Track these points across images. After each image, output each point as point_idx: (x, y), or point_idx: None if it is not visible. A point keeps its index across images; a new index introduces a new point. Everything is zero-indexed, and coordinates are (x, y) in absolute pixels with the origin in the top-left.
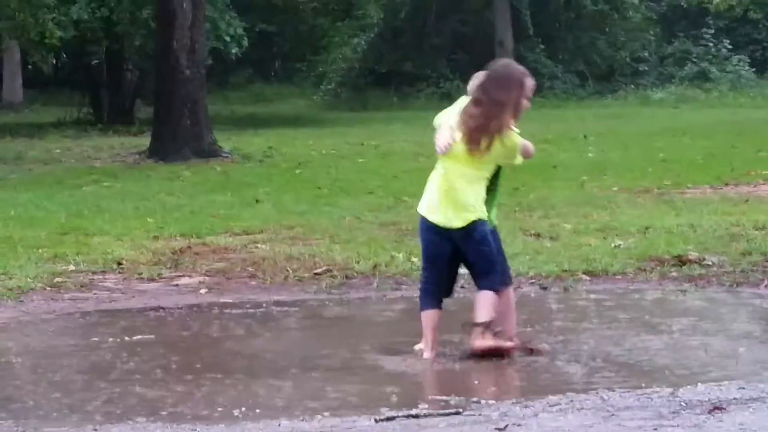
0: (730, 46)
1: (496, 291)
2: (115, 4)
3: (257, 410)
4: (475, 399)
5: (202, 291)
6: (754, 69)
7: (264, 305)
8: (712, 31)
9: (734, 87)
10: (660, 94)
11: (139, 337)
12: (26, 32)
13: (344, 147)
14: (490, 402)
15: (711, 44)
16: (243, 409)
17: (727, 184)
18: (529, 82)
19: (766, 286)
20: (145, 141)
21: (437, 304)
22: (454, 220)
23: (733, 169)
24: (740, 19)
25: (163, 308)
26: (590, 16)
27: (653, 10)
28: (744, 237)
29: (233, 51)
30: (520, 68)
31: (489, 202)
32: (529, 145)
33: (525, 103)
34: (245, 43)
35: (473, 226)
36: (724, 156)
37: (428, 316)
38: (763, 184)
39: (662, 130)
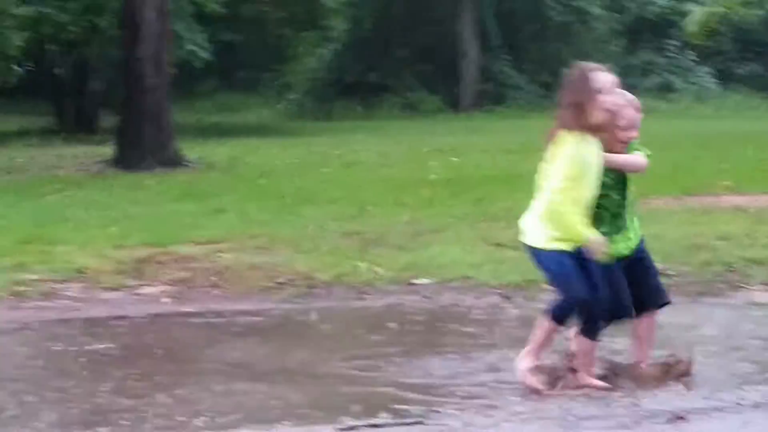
0: (694, 58)
1: (554, 318)
2: (75, 10)
3: (217, 420)
4: (437, 409)
5: (165, 300)
6: (718, 81)
7: (226, 315)
8: (677, 43)
9: (698, 98)
10: None
11: (101, 346)
12: None
13: (308, 157)
14: (453, 412)
15: (675, 55)
16: (203, 418)
17: (690, 195)
18: (600, 77)
19: (728, 297)
20: (109, 150)
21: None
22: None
23: (697, 180)
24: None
25: (125, 317)
26: (555, 26)
27: (618, 21)
28: (707, 247)
29: (198, 61)
30: (591, 64)
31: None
32: (618, 159)
33: (605, 101)
34: (206, 55)
35: (529, 248)
36: (687, 167)
37: None
38: (726, 194)
39: None
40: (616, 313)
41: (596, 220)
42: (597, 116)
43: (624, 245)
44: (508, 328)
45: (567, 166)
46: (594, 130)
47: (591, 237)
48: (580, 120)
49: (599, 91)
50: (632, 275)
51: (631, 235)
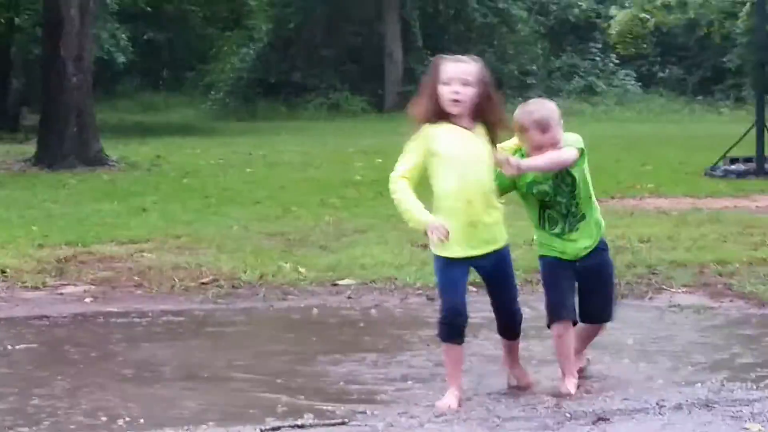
0: (617, 61)
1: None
2: None
3: (141, 420)
4: (361, 410)
5: (87, 300)
6: (640, 83)
7: (150, 315)
8: (600, 46)
9: (621, 101)
10: None
11: (22, 346)
12: None
13: (232, 156)
14: (376, 412)
15: (598, 59)
16: (127, 419)
17: (612, 197)
18: (447, 67)
19: (650, 299)
20: (30, 149)
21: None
22: None
23: (619, 182)
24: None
25: (47, 317)
26: (479, 28)
27: (541, 24)
28: (629, 249)
29: (119, 61)
30: (454, 56)
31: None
32: None
33: (444, 90)
34: (129, 54)
35: None
36: (610, 169)
37: None
38: (648, 197)
39: None
40: (556, 314)
41: (549, 221)
42: (435, 105)
43: (572, 246)
44: (432, 329)
45: (402, 156)
46: (438, 117)
47: (429, 222)
48: (422, 108)
49: (440, 81)
50: (584, 285)
51: (575, 236)
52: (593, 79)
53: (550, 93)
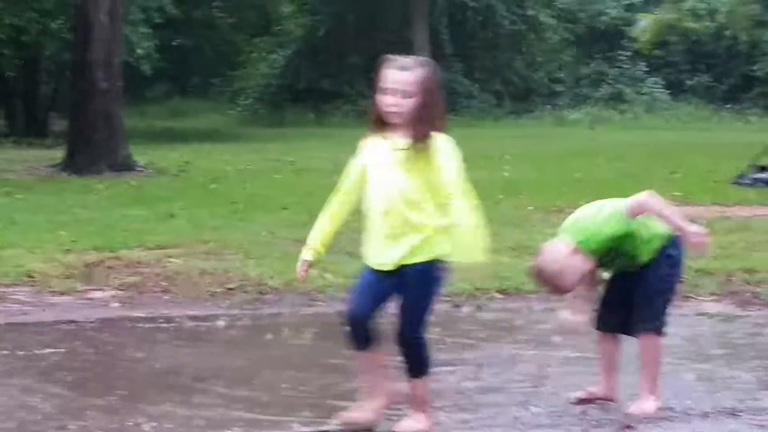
0: (645, 69)
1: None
2: (28, 14)
3: (165, 425)
4: (392, 414)
5: (115, 305)
6: (668, 91)
7: (176, 320)
8: (628, 53)
9: (649, 109)
10: (575, 115)
11: (49, 350)
12: None
13: (260, 163)
14: (402, 418)
15: (627, 66)
16: (153, 424)
17: None
18: (383, 73)
19: (677, 307)
20: (59, 154)
21: None
22: None
23: (647, 190)
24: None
25: (74, 322)
26: (508, 36)
27: (570, 32)
28: None
29: (145, 67)
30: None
31: None
32: None
33: (382, 99)
34: (155, 61)
35: None
36: (638, 177)
37: None
38: (676, 204)
39: (577, 151)
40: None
41: None
42: (377, 112)
43: None
44: (459, 335)
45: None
46: (382, 125)
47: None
48: (370, 116)
49: (380, 89)
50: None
51: None
52: (621, 86)
53: (578, 100)
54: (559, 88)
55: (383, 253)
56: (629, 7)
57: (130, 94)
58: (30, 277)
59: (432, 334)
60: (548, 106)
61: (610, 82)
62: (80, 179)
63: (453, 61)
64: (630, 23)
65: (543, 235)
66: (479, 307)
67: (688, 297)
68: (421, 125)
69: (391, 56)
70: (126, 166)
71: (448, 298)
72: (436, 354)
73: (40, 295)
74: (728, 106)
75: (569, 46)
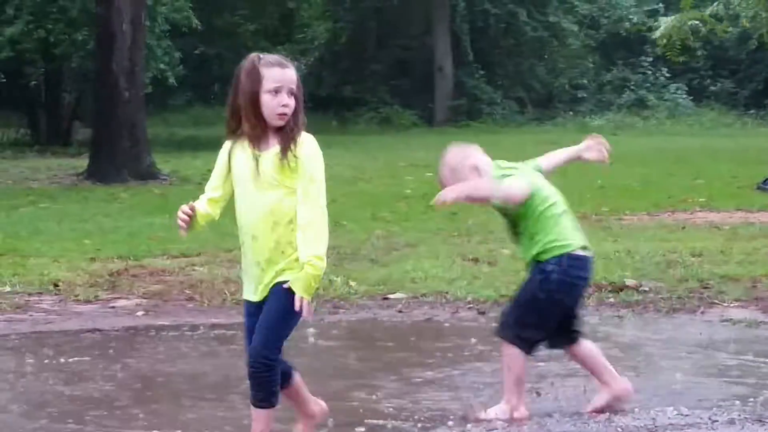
0: (668, 75)
1: None
2: (53, 24)
3: None
4: (410, 424)
5: (139, 313)
6: (691, 97)
7: (201, 328)
8: (651, 59)
9: (672, 115)
10: (598, 121)
11: (74, 358)
12: None
13: None
14: (426, 426)
15: (649, 72)
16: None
17: (664, 211)
18: (265, 69)
19: (702, 313)
20: (83, 162)
21: None
22: None
23: (670, 196)
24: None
25: (99, 330)
26: (530, 42)
27: (592, 38)
28: (681, 263)
29: (170, 79)
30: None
31: None
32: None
33: (271, 101)
34: (178, 72)
35: None
36: (661, 183)
37: None
38: (700, 211)
39: None
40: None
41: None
42: (257, 116)
43: None
44: (484, 342)
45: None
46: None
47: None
48: (235, 120)
49: (264, 89)
50: None
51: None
52: (644, 92)
53: (601, 106)
54: (581, 94)
55: (253, 283)
56: (651, 13)
57: (152, 103)
58: (55, 285)
59: (458, 339)
60: (571, 113)
61: (632, 88)
62: (104, 188)
63: (475, 68)
64: (652, 29)
65: None
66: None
67: (712, 303)
68: (297, 127)
69: (261, 54)
70: (149, 174)
71: (472, 305)
72: (462, 359)
73: (64, 304)
74: (751, 111)
75: (591, 53)
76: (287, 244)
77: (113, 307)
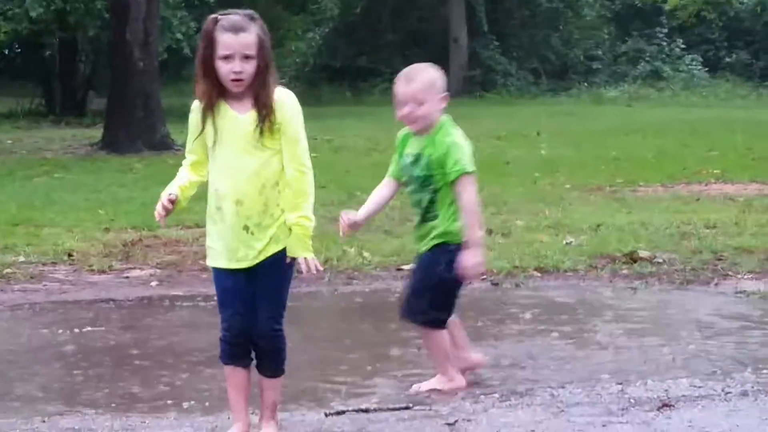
0: (683, 46)
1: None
2: None
3: (206, 403)
4: (425, 394)
5: (153, 283)
6: (706, 69)
7: (215, 298)
8: (666, 31)
9: (687, 86)
10: (613, 93)
11: (88, 328)
12: None
13: None
14: (440, 397)
15: (664, 43)
16: (192, 402)
17: (678, 183)
18: (218, 34)
19: (716, 285)
20: (97, 133)
21: None
22: None
23: (685, 168)
24: (693, 18)
25: (113, 300)
26: (545, 13)
27: (607, 9)
28: (695, 235)
29: (185, 50)
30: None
31: None
32: None
33: (223, 67)
34: (194, 42)
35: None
36: (676, 155)
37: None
38: (714, 182)
39: (615, 129)
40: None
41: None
42: (215, 82)
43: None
44: (497, 313)
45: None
46: (219, 96)
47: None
48: (201, 87)
49: (218, 56)
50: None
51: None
52: (659, 64)
53: (616, 78)
54: (596, 65)
55: (239, 249)
56: None
57: (167, 73)
58: (69, 255)
59: (471, 311)
60: (585, 84)
61: (647, 59)
62: (118, 158)
63: (490, 39)
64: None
65: (581, 213)
66: (517, 285)
67: (726, 275)
68: (266, 91)
69: (221, 15)
70: (164, 144)
71: (486, 277)
72: (476, 331)
73: (79, 274)
74: (767, 83)
75: (606, 24)
76: (275, 206)
77: (127, 278)
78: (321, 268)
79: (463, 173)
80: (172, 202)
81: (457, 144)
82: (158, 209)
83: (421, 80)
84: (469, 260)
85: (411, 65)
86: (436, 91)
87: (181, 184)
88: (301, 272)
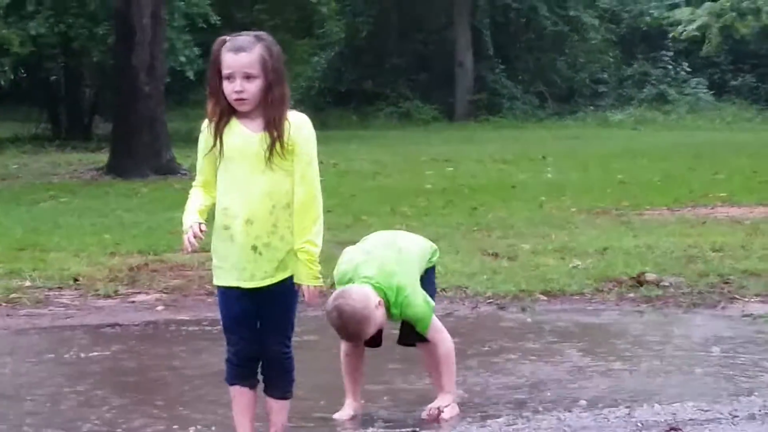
0: (688, 69)
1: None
2: (73, 19)
3: (213, 428)
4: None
5: (159, 308)
6: (712, 92)
7: (221, 323)
8: (671, 54)
9: (692, 109)
10: (619, 116)
11: (94, 353)
12: None
13: None
14: (447, 421)
15: (670, 67)
16: (198, 426)
17: (685, 206)
18: (222, 55)
19: (723, 308)
20: (103, 157)
21: None
22: None
23: (691, 191)
24: (699, 42)
25: (119, 325)
26: (550, 37)
27: (613, 32)
28: (701, 258)
29: (188, 73)
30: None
31: None
32: None
33: (227, 87)
34: (199, 66)
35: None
36: (682, 178)
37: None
38: (721, 206)
39: (621, 152)
40: None
41: None
42: (223, 102)
43: None
44: (503, 337)
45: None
46: (229, 115)
47: (186, 222)
48: (211, 106)
49: (223, 76)
50: None
51: None
52: (665, 87)
53: (622, 101)
54: (602, 89)
55: (246, 268)
56: (672, 7)
57: (172, 98)
58: (75, 280)
59: (477, 335)
60: (591, 107)
61: (653, 82)
62: (124, 182)
63: (495, 62)
64: (672, 23)
65: (587, 236)
66: (524, 309)
67: (733, 298)
68: (272, 109)
69: (229, 37)
70: (169, 169)
71: (492, 300)
72: (482, 355)
73: (85, 299)
74: None
75: (612, 47)
76: (285, 228)
77: (133, 302)
78: (322, 297)
79: None
80: (203, 230)
81: None
82: (190, 240)
83: None
84: None
85: None
86: None
87: (198, 209)
88: (304, 299)
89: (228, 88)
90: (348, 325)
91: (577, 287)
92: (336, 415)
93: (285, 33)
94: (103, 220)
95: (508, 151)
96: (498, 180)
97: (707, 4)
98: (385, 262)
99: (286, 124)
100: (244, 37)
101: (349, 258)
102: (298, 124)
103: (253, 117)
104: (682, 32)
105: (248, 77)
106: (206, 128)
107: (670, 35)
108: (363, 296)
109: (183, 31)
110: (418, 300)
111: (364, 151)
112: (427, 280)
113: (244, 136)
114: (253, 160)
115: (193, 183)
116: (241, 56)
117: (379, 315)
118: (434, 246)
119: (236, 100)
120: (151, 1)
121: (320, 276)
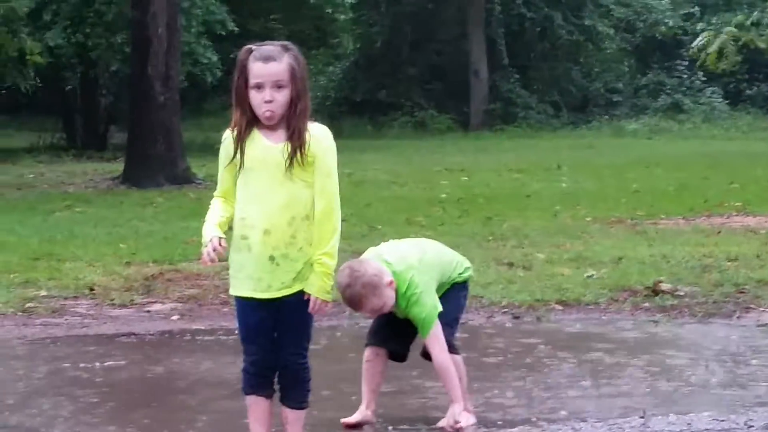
0: (703, 78)
1: None
2: (90, 29)
3: None
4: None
5: (174, 317)
6: (727, 101)
7: (236, 332)
8: (686, 63)
9: (707, 119)
10: (634, 125)
11: (110, 363)
12: (4, 50)
13: None
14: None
15: (685, 76)
16: None
17: (699, 216)
18: (250, 64)
19: (738, 318)
20: (118, 167)
21: None
22: None
23: (706, 201)
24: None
25: (134, 334)
26: (565, 46)
27: (628, 42)
28: (716, 268)
29: (209, 79)
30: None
31: None
32: None
33: (255, 96)
34: (219, 72)
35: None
36: (697, 187)
37: None
38: (736, 215)
39: (636, 161)
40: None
41: None
42: (249, 112)
43: None
44: (518, 347)
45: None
46: (252, 125)
47: (206, 235)
48: (237, 115)
49: (250, 85)
50: None
51: None
52: (680, 96)
53: (637, 110)
54: (617, 98)
55: (263, 278)
56: (687, 17)
57: (188, 107)
58: (90, 289)
59: (492, 344)
60: (606, 117)
61: (668, 92)
62: (139, 192)
63: (510, 72)
64: (688, 33)
65: (602, 246)
66: (539, 319)
67: (748, 308)
68: (296, 120)
69: (255, 46)
70: (184, 178)
71: (507, 310)
72: (496, 365)
73: (100, 308)
74: None
75: (627, 56)
76: (303, 240)
77: (148, 312)
78: (327, 310)
79: None
80: (223, 245)
81: None
82: (209, 254)
83: None
84: None
85: None
86: None
87: (218, 221)
88: (310, 308)
89: (257, 97)
90: (354, 284)
91: (592, 297)
92: (343, 420)
93: (299, 43)
94: (119, 230)
95: (523, 160)
96: (513, 189)
97: (726, 29)
98: (407, 256)
99: (307, 135)
100: (272, 47)
101: (374, 248)
102: (319, 136)
103: (274, 128)
104: (699, 53)
105: (279, 87)
106: (227, 138)
107: (689, 48)
108: (378, 268)
109: (202, 37)
110: (427, 302)
111: (378, 161)
112: (450, 294)
113: (265, 147)
114: (274, 171)
115: (214, 193)
116: (271, 65)
117: (387, 294)
118: (465, 262)
119: (265, 112)
120: (167, 11)
121: (331, 291)
